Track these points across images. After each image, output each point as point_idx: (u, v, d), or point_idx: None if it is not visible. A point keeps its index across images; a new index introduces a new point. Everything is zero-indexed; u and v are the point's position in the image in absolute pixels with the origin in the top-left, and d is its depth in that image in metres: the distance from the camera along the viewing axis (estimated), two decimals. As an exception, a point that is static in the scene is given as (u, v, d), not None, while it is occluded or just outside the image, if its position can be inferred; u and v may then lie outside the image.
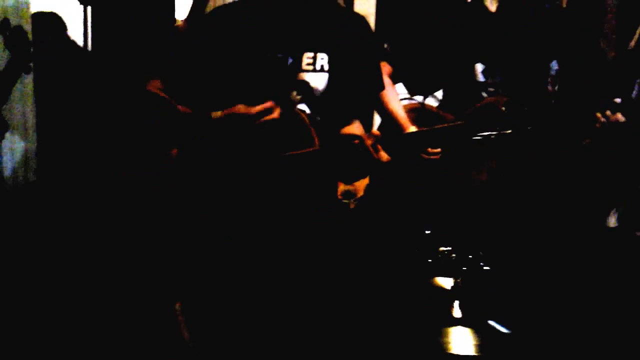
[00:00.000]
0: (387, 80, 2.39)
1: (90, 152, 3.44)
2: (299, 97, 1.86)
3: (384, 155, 1.74)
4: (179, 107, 1.85)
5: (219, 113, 1.79)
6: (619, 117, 2.00)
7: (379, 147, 1.74)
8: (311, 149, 1.77)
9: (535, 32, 2.49)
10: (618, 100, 2.05)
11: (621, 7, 3.08)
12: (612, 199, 2.46)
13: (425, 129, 2.16)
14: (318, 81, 1.85)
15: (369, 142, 1.73)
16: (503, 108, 1.81)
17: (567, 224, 2.43)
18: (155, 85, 1.89)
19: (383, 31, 3.53)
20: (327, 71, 1.86)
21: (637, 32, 2.71)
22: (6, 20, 2.74)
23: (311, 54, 1.84)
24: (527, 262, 2.33)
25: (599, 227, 2.44)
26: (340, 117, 1.97)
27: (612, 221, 2.46)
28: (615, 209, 2.46)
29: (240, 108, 1.78)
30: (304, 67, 1.84)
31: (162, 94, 1.88)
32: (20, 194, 3.19)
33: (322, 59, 1.85)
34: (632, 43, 2.70)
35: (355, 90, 1.92)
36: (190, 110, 1.85)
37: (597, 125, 2.02)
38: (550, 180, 2.39)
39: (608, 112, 2.02)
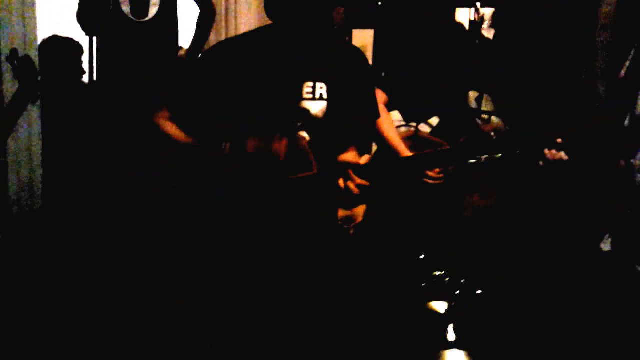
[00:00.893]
0: (382, 108, 2.46)
1: (94, 178, 3.50)
2: (299, 124, 1.93)
3: (353, 186, 1.83)
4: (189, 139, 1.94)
5: (227, 146, 1.88)
6: (562, 155, 2.08)
7: (354, 176, 1.82)
8: (310, 173, 1.83)
9: (530, 60, 2.56)
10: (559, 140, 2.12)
11: (610, 43, 3.15)
12: (604, 224, 2.49)
13: (418, 153, 2.21)
14: (317, 109, 1.93)
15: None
16: (492, 134, 1.87)
17: (560, 249, 2.46)
18: (163, 116, 1.97)
19: (380, 60, 3.60)
20: (325, 99, 1.94)
21: (627, 61, 2.76)
22: (14, 50, 2.80)
23: (311, 84, 1.93)
24: (521, 285, 2.35)
25: (592, 251, 2.47)
26: (338, 143, 2.04)
27: (606, 246, 2.49)
28: (608, 234, 2.49)
29: (250, 144, 1.87)
30: (304, 95, 1.92)
31: (171, 125, 1.96)
32: (26, 221, 3.24)
33: (322, 89, 1.94)
34: (622, 73, 2.76)
35: (351, 118, 2.00)
36: (195, 141, 1.93)
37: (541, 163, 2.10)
38: (544, 204, 2.43)
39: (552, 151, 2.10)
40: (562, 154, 2.09)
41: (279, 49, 1.93)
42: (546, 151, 2.14)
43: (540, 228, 2.47)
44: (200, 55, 3.46)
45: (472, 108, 2.59)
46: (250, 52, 1.94)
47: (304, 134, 1.94)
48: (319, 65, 1.94)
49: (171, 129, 1.96)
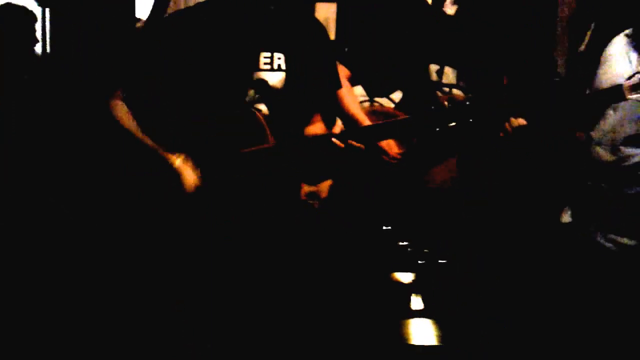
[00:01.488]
0: (345, 83, 2.44)
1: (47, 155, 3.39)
2: (257, 95, 1.89)
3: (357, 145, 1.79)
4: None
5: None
6: (521, 121, 2.11)
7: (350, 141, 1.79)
8: (265, 146, 1.79)
9: (491, 36, 2.57)
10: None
11: (572, 15, 3.20)
12: (564, 195, 2.52)
13: (379, 122, 2.20)
14: (275, 80, 1.89)
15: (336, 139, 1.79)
16: (446, 103, 1.88)
17: (521, 219, 2.48)
18: (117, 100, 1.93)
19: (343, 35, 3.58)
20: (284, 70, 1.90)
21: (587, 36, 2.80)
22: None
23: (268, 54, 1.89)
24: (482, 257, 2.37)
25: (552, 223, 2.50)
26: (299, 115, 2.00)
27: (566, 217, 2.52)
28: (568, 206, 2.52)
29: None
30: (261, 66, 1.88)
31: (125, 112, 1.90)
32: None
33: (279, 59, 1.90)
34: (582, 47, 2.80)
35: (312, 88, 1.97)
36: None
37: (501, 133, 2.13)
38: (504, 176, 2.45)
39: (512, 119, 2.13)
40: (521, 120, 2.11)
41: (233, 18, 1.89)
42: (506, 122, 2.16)
43: (502, 200, 2.49)
44: (150, 26, 3.39)
45: (433, 81, 2.60)
46: (204, 22, 1.90)
47: (261, 105, 1.90)
48: (276, 35, 1.91)
49: (125, 116, 1.92)
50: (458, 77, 2.59)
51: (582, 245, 2.44)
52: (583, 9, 3.10)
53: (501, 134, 2.27)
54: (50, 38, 3.47)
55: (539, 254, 2.48)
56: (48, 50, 3.50)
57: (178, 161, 1.83)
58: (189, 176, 1.81)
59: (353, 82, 2.65)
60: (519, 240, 2.47)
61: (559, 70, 3.02)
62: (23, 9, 3.67)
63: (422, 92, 2.59)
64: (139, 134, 1.90)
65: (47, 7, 3.45)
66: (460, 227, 2.41)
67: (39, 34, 3.63)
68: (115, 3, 3.43)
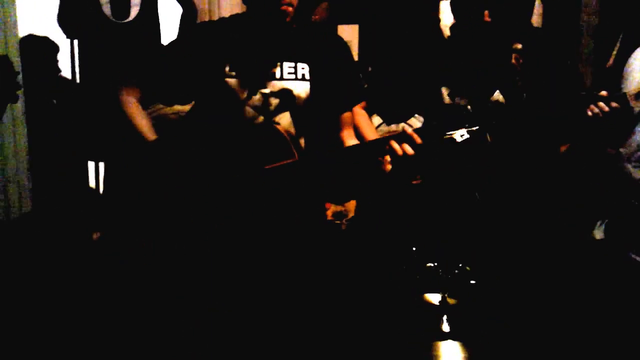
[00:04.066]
0: (362, 112, 2.44)
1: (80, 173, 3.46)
2: (282, 105, 1.89)
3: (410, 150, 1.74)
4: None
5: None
6: (603, 106, 2.03)
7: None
8: (290, 161, 1.79)
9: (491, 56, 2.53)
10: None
11: (598, 28, 3.15)
12: (597, 211, 2.48)
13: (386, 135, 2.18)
14: (300, 89, 1.91)
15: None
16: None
17: (553, 236, 2.44)
18: (131, 94, 1.92)
19: (365, 56, 3.60)
20: (308, 80, 1.91)
21: (614, 51, 2.76)
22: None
23: (292, 64, 1.90)
24: (514, 274, 2.33)
25: (585, 239, 2.46)
26: (323, 125, 2.01)
27: (599, 234, 2.48)
28: (601, 221, 2.48)
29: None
30: (285, 76, 1.89)
31: (137, 107, 1.91)
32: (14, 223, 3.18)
33: (303, 69, 1.91)
34: (610, 62, 2.75)
35: (334, 99, 1.98)
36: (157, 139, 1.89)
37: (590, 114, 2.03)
38: (535, 192, 2.41)
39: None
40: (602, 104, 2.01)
41: (257, 31, 1.91)
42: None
43: (534, 217, 2.45)
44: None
45: (447, 104, 2.58)
46: (228, 32, 1.92)
47: (286, 115, 1.91)
48: (300, 47, 1.92)
49: (136, 111, 1.91)
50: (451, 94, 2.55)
51: (614, 262, 2.40)
52: (608, 20, 3.06)
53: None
54: (80, 69, 3.54)
55: (571, 272, 2.43)
56: (77, 81, 3.57)
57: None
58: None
59: (369, 111, 2.65)
60: (552, 259, 2.43)
61: (585, 82, 2.98)
62: (45, 39, 3.74)
63: (439, 114, 2.58)
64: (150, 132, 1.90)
65: (75, 38, 3.53)
66: (490, 246, 2.37)
67: (62, 63, 3.71)
68: (141, 33, 3.49)
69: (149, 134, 1.88)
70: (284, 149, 1.79)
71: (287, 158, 1.78)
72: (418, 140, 1.74)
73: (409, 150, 1.73)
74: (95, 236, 3.17)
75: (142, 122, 1.90)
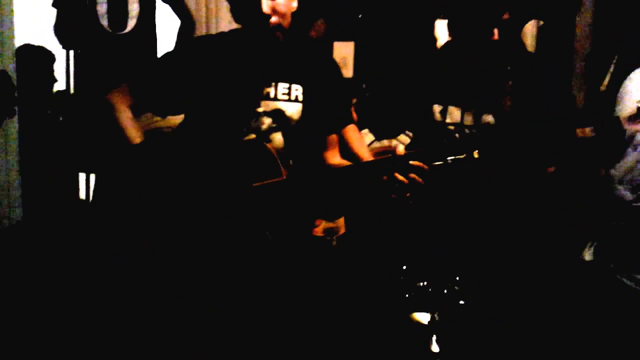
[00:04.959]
0: (353, 127, 2.45)
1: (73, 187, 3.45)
2: (274, 125, 1.91)
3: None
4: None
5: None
6: (587, 132, 2.04)
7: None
8: (278, 179, 1.80)
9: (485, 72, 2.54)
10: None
11: (591, 51, 3.18)
12: (587, 233, 2.49)
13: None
14: (292, 110, 1.92)
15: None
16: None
17: (542, 257, 2.45)
18: (121, 97, 1.92)
19: (361, 72, 3.62)
20: (301, 102, 1.93)
21: (608, 74, 2.78)
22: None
23: (286, 84, 1.91)
24: (504, 295, 2.34)
25: (574, 261, 2.47)
26: (314, 145, 2.02)
27: (588, 255, 2.49)
28: (590, 243, 2.49)
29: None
30: (279, 96, 1.91)
31: (126, 112, 1.92)
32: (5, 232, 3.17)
33: (297, 90, 1.92)
34: (604, 85, 2.77)
35: (325, 121, 1.99)
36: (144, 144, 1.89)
37: (577, 137, 2.05)
38: (525, 213, 2.42)
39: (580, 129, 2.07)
40: (588, 130, 2.03)
41: (252, 50, 1.91)
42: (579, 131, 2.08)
43: (523, 237, 2.46)
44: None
45: (438, 121, 2.59)
46: (224, 48, 1.93)
47: (277, 134, 1.92)
48: (295, 68, 1.94)
49: (125, 115, 1.91)
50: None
51: (604, 283, 2.41)
52: (601, 43, 3.08)
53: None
54: (75, 80, 3.54)
55: (560, 293, 2.44)
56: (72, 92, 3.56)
57: None
58: None
59: (360, 126, 2.65)
60: (541, 279, 2.43)
61: (577, 105, 3.00)
62: (42, 49, 3.72)
63: (429, 132, 2.59)
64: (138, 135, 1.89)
65: (72, 49, 3.53)
66: (480, 266, 2.38)
67: (58, 73, 3.71)
68: (137, 45, 3.50)
69: (137, 137, 1.89)
70: (272, 168, 1.80)
71: (275, 177, 1.79)
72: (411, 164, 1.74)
73: (401, 178, 1.74)
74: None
75: (130, 125, 1.90)
